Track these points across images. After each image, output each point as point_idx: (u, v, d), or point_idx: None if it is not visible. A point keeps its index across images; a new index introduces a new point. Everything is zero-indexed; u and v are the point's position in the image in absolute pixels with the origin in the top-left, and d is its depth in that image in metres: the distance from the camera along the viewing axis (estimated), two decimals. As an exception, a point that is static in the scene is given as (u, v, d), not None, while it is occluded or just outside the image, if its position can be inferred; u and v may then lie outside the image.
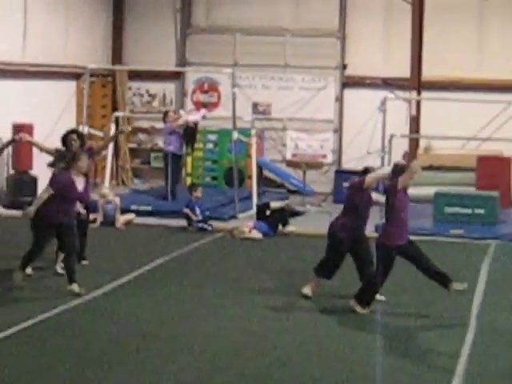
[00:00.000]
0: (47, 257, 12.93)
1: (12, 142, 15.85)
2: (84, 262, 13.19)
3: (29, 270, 12.25)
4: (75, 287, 11.45)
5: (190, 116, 19.75)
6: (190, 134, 19.11)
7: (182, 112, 20.06)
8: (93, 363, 8.88)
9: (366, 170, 11.69)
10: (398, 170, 10.98)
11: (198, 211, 16.65)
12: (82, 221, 12.94)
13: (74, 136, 13.41)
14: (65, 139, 13.35)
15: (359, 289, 11.20)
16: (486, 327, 10.68)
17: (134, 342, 9.71)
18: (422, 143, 21.89)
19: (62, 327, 10.28)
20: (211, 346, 9.53)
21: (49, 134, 18.02)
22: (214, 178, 22.12)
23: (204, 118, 20.07)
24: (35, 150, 17.71)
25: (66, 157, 12.63)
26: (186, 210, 16.66)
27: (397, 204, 10.87)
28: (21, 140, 14.86)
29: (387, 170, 12.86)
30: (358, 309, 11.03)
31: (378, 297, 11.59)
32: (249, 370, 8.79)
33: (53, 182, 11.87)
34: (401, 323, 10.85)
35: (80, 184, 11.70)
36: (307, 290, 11.72)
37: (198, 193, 17.07)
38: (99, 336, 9.92)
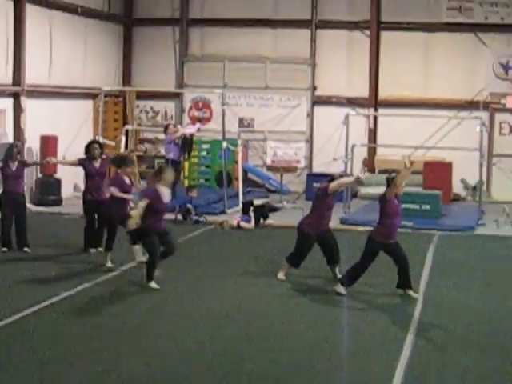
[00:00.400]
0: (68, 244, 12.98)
1: (40, 164, 15.91)
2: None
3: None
4: (154, 284, 10.99)
5: (187, 129, 19.68)
6: (187, 144, 19.04)
7: (179, 127, 19.98)
8: (102, 329, 8.98)
9: (332, 178, 11.72)
10: (388, 182, 10.87)
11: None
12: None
13: (96, 145, 13.54)
14: (88, 147, 13.41)
15: (346, 272, 11.08)
16: (431, 302, 10.75)
17: (139, 313, 9.87)
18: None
19: (80, 303, 10.32)
20: (203, 318, 9.57)
21: (70, 144, 18.08)
22: (207, 180, 22.07)
23: (199, 130, 20.02)
24: (60, 157, 17.79)
25: (124, 161, 12.60)
26: (190, 206, 16.66)
27: (389, 210, 10.75)
28: (48, 163, 15.01)
29: (349, 179, 12.94)
30: (340, 288, 10.95)
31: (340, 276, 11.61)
32: (234, 337, 8.87)
33: (144, 196, 11.36)
34: (363, 299, 10.88)
35: (167, 195, 11.30)
36: (281, 275, 11.74)
37: (194, 193, 17.07)
38: (111, 310, 9.97)
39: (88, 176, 13.47)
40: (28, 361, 7.98)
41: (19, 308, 9.77)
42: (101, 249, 13.05)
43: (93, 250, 13.22)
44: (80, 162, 13.44)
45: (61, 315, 9.68)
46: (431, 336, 9.23)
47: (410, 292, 10.94)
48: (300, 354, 8.41)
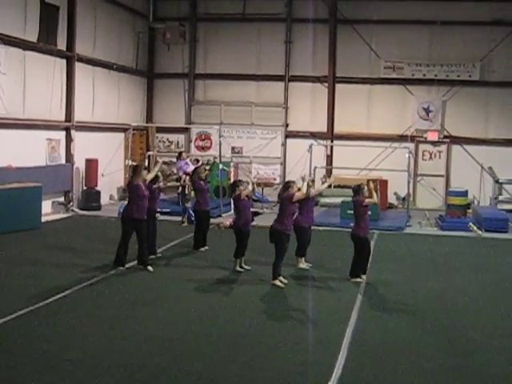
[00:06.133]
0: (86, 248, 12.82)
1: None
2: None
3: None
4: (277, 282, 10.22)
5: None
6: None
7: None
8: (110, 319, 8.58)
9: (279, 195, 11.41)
10: (356, 190, 10.68)
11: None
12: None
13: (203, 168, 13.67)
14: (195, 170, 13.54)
15: (351, 267, 10.73)
16: (373, 281, 10.76)
17: (140, 303, 8.93)
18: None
19: (96, 290, 10.13)
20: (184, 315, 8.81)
21: (107, 165, 18.05)
22: (208, 192, 21.91)
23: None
24: (99, 175, 17.68)
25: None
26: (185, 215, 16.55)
27: (362, 212, 10.58)
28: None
29: (301, 193, 12.52)
30: (357, 279, 10.60)
31: (305, 266, 11.49)
32: (206, 329, 8.31)
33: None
34: (322, 280, 10.85)
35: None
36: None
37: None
38: (118, 296, 9.40)
39: (199, 191, 13.43)
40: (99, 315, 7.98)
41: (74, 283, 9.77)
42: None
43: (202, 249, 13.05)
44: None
45: (89, 295, 9.60)
46: (372, 304, 9.29)
47: (358, 279, 10.61)
48: (274, 314, 8.45)
